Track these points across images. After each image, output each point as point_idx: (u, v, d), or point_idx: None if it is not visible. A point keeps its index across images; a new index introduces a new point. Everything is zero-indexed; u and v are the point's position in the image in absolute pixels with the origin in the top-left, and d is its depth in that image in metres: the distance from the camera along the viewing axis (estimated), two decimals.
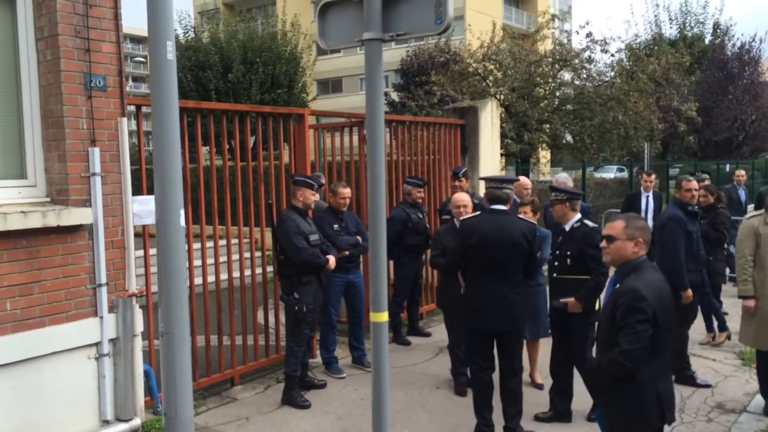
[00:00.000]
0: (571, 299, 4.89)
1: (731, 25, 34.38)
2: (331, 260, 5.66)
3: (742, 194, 11.03)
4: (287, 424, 5.18)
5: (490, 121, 9.46)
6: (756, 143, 27.52)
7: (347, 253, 6.21)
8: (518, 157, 15.87)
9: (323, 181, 7.78)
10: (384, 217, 2.94)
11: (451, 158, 8.90)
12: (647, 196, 8.48)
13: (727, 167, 19.91)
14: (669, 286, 3.25)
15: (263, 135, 6.37)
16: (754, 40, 27.96)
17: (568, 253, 5.00)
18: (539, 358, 6.02)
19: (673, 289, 5.94)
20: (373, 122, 2.90)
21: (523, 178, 7.18)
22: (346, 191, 6.33)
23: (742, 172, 11.55)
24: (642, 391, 3.08)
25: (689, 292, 5.92)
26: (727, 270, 8.23)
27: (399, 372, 6.39)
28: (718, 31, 29.54)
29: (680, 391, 5.90)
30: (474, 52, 17.17)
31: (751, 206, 12.75)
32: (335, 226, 6.22)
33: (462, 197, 5.82)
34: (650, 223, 8.38)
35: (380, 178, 2.93)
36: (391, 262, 7.54)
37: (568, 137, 17.13)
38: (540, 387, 5.85)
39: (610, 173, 27.09)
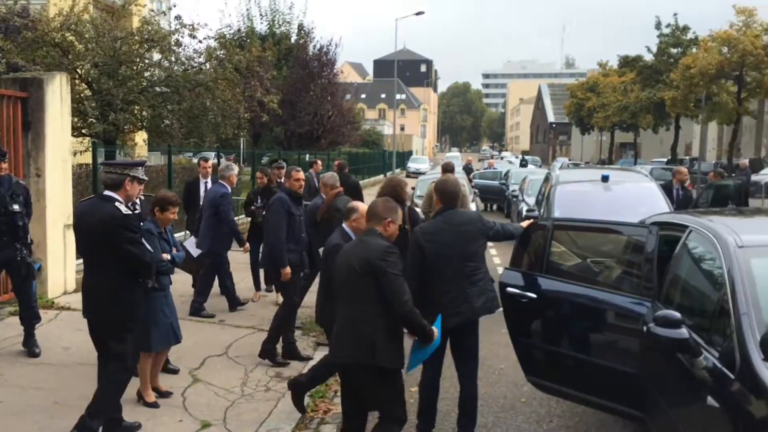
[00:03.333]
0: None
1: (313, 28, 38.19)
2: None
3: (316, 181, 12.32)
4: None
5: (59, 96, 8.57)
6: (332, 137, 31.07)
7: None
8: (102, 138, 14.88)
9: None
10: None
11: (10, 135, 7.80)
12: (205, 182, 8.76)
13: (307, 157, 21.99)
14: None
15: None
16: (330, 44, 31.49)
17: None
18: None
19: (273, 265, 6.33)
20: None
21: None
22: None
23: (319, 162, 13.14)
24: None
25: (288, 269, 6.31)
26: None
27: None
28: (302, 32, 32.43)
29: (245, 366, 6.27)
30: (51, 20, 15.44)
31: None
32: None
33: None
34: None
35: None
36: None
37: (166, 121, 16.71)
38: (153, 405, 5.16)
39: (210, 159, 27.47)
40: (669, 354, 3.46)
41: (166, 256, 5.09)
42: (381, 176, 40.59)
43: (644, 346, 4.01)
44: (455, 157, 53.82)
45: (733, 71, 31.86)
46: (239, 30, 30.45)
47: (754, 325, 3.05)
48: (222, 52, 16.90)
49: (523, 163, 44.19)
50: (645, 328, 3.71)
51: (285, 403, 5.39)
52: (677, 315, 3.33)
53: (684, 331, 3.26)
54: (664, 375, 3.78)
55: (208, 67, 16.09)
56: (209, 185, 8.63)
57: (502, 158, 51.68)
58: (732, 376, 3.00)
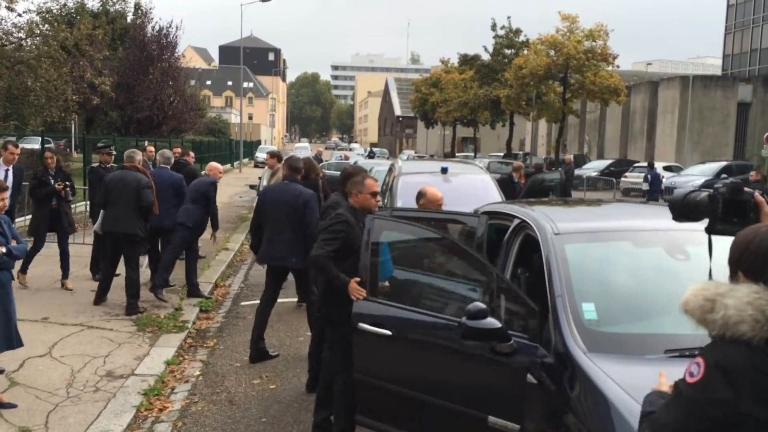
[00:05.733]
0: None
1: (151, 8, 36.21)
2: None
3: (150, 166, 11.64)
4: None
5: None
6: (174, 123, 29.65)
7: None
8: None
9: None
10: None
11: None
12: (6, 170, 8.21)
13: (146, 143, 20.82)
14: None
15: None
16: (171, 26, 29.97)
17: None
18: None
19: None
20: None
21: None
22: None
23: (152, 148, 12.30)
24: None
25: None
26: None
27: None
28: (140, 11, 30.60)
29: (71, 366, 5.83)
30: None
31: None
32: None
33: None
34: None
35: None
36: None
37: None
38: None
39: (35, 144, 25.32)
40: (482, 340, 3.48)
41: (1, 249, 4.62)
42: (228, 166, 39.46)
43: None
44: (305, 147, 53.58)
45: (559, 73, 34.50)
46: (65, 5, 28.08)
47: (567, 307, 3.29)
48: (47, 27, 15.49)
49: (371, 155, 45.06)
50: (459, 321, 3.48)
51: (116, 403, 5.09)
52: (482, 306, 3.31)
53: (492, 320, 3.28)
54: (475, 356, 3.77)
55: (29, 43, 14.70)
56: (10, 174, 8.13)
57: (351, 150, 52.35)
58: (548, 355, 3.24)
